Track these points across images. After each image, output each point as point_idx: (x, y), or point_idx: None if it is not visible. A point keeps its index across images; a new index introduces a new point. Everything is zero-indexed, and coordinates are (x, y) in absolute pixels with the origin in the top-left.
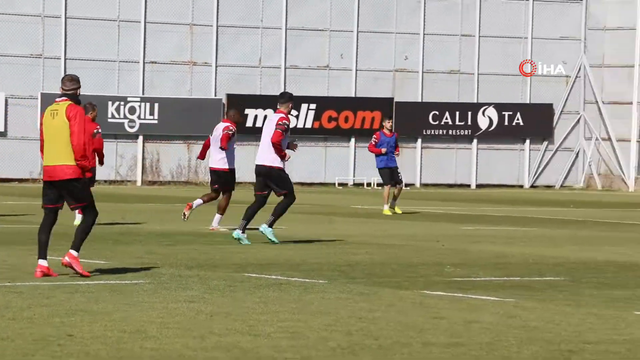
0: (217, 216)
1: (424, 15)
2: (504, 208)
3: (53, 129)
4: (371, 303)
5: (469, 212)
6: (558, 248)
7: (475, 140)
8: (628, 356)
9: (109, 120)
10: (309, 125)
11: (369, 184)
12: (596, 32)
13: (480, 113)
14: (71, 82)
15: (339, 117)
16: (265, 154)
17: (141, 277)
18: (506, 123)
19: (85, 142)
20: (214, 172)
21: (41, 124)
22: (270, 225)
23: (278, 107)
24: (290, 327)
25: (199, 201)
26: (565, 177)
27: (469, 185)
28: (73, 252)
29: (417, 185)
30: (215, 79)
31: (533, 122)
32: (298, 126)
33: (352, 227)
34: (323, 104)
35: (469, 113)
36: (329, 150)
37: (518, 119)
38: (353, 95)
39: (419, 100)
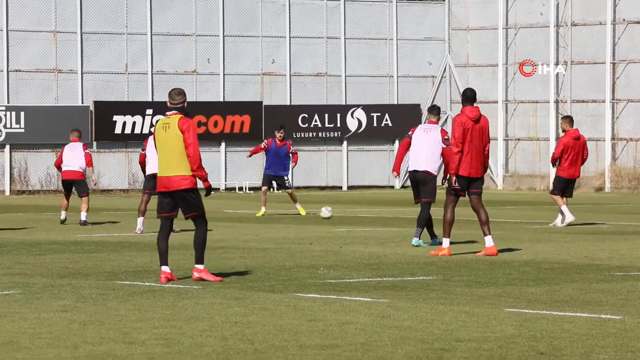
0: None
1: (289, 18)
2: (376, 209)
3: (166, 141)
4: (245, 307)
5: (341, 214)
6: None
7: (345, 142)
8: (500, 353)
9: None
10: None
11: (240, 188)
12: (459, 32)
13: (349, 115)
14: (179, 96)
15: (208, 122)
16: (426, 161)
17: (11, 288)
18: (375, 124)
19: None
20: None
21: (154, 138)
22: (420, 236)
23: (429, 118)
24: (164, 333)
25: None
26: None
27: (340, 187)
28: (199, 266)
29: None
30: (82, 86)
31: (402, 123)
32: None
33: (225, 232)
34: (192, 109)
35: (338, 115)
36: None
37: (387, 120)
38: (221, 99)
39: (288, 103)
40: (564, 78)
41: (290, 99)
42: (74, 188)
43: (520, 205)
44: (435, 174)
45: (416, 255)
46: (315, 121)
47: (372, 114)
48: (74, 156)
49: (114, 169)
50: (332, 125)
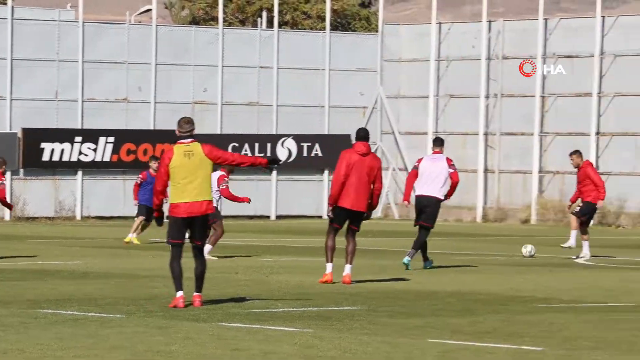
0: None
1: (222, 47)
2: (305, 239)
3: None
4: (168, 336)
5: (269, 244)
6: (357, 277)
7: (275, 172)
8: None
9: None
10: (107, 158)
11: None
12: (392, 64)
13: (279, 144)
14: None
15: (138, 150)
16: (433, 187)
17: None
18: (305, 154)
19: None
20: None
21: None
22: (412, 257)
23: (434, 149)
24: None
25: None
26: None
27: (268, 217)
28: None
29: None
30: (10, 112)
31: (332, 153)
32: (96, 159)
33: (150, 261)
34: (121, 137)
35: (268, 144)
36: (128, 184)
37: (317, 150)
38: (152, 127)
39: (219, 132)
40: (493, 110)
41: (221, 127)
42: None
43: (447, 237)
44: (442, 198)
45: (342, 286)
46: (246, 150)
47: (302, 144)
48: None
49: (40, 196)
50: (262, 155)
